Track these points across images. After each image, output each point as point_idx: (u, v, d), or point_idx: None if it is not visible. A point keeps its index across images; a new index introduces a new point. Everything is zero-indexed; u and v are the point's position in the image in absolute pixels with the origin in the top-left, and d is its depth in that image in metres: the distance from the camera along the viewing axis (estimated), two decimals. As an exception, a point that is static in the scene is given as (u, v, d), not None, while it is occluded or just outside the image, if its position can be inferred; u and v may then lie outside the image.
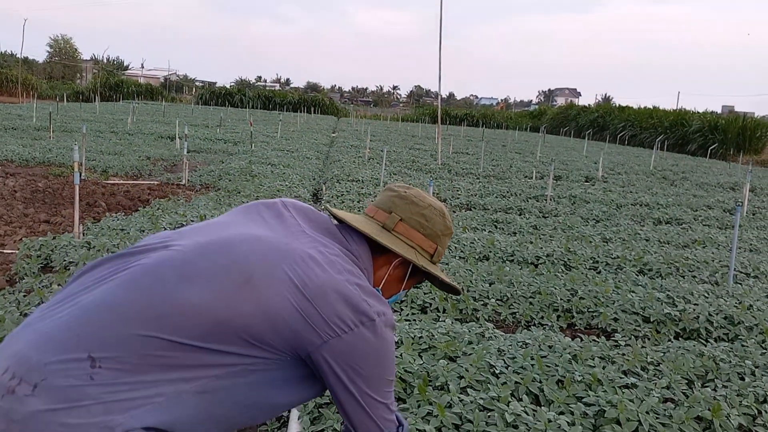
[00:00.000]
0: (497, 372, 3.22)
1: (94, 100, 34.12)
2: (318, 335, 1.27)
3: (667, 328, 4.41)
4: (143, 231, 6.12)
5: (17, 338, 1.22)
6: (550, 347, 3.63)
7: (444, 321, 4.14)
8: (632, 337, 4.27)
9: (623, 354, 3.63)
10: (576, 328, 4.51)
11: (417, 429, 2.64)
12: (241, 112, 40.40)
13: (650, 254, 6.61)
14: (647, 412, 2.87)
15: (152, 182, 9.88)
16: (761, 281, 5.94)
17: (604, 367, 3.40)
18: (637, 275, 5.92)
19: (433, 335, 3.71)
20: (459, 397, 2.90)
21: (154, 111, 32.21)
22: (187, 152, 11.56)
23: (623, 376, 3.35)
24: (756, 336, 4.29)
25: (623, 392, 3.05)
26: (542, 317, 4.54)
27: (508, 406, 2.83)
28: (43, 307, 1.30)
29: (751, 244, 7.84)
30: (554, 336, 3.90)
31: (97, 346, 1.17)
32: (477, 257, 6.19)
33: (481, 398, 2.91)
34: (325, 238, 1.43)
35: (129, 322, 1.20)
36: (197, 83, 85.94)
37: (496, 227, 8.01)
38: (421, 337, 3.68)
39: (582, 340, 3.89)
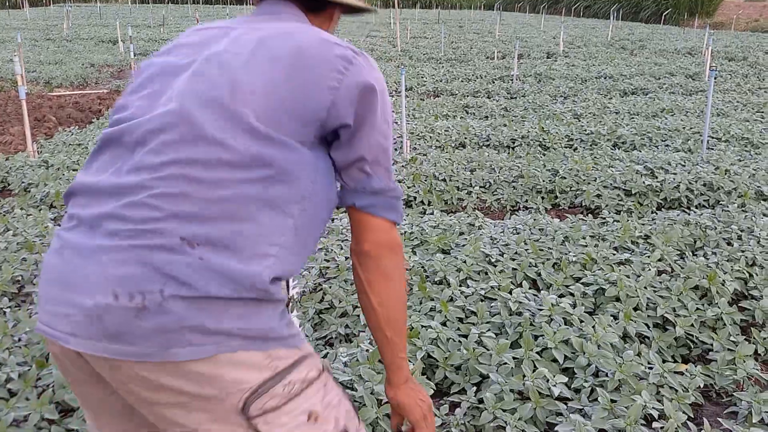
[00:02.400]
0: (493, 261, 3.20)
1: (23, 6, 31.63)
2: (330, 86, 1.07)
3: (650, 200, 4.44)
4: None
5: (85, 262, 0.99)
6: (541, 230, 3.60)
7: (431, 214, 4.07)
8: (617, 212, 4.29)
9: (613, 231, 3.63)
10: (561, 208, 4.50)
11: (422, 326, 2.61)
12: (183, 9, 38.07)
13: (623, 127, 6.58)
14: (645, 287, 2.90)
15: (101, 91, 9.33)
16: (732, 144, 6.00)
17: (596, 246, 3.41)
18: (613, 149, 5.91)
19: (423, 230, 3.65)
20: (460, 290, 2.88)
21: (90, 13, 30.10)
22: (134, 56, 10.88)
23: (616, 252, 3.36)
24: (736, 200, 4.35)
25: (619, 269, 3.07)
26: (527, 200, 4.51)
27: (510, 294, 2.81)
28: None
29: (718, 108, 7.87)
30: (543, 219, 3.87)
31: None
32: (454, 145, 6.07)
33: (482, 288, 2.89)
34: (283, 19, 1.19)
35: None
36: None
37: (467, 112, 7.85)
38: (411, 233, 3.62)
39: (570, 220, 3.88)
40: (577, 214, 4.26)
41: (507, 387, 2.23)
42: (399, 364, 1.21)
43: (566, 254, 3.27)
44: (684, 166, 5.05)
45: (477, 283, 2.97)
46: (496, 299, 2.83)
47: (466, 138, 6.21)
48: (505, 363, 2.37)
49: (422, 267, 3.17)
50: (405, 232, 3.61)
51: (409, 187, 4.52)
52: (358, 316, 2.77)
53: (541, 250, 3.30)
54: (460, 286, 2.96)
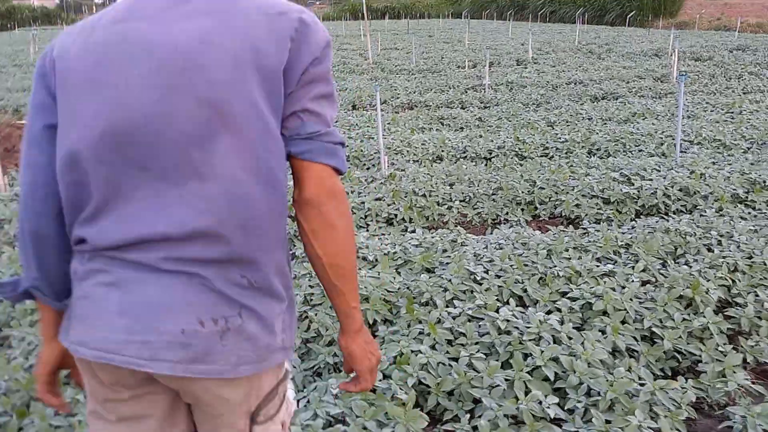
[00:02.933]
0: (479, 278, 3.18)
1: (-16, 32, 31.14)
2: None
3: (628, 208, 4.47)
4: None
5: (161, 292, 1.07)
6: (524, 245, 3.60)
7: (413, 232, 4.06)
8: (597, 221, 4.32)
9: (594, 241, 3.65)
10: (541, 219, 4.52)
11: (411, 351, 2.58)
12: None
13: (596, 133, 6.65)
14: (631, 299, 2.90)
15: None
16: (705, 147, 6.09)
17: (579, 258, 3.41)
18: (588, 156, 5.96)
19: (406, 248, 3.63)
20: (447, 311, 2.86)
21: (56, 37, 29.66)
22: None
23: (599, 263, 3.37)
24: (713, 204, 4.41)
25: (604, 281, 3.07)
26: (507, 213, 4.52)
27: (497, 312, 2.80)
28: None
29: (688, 111, 7.99)
30: (525, 232, 3.88)
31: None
32: (431, 158, 6.07)
33: (469, 308, 2.87)
34: None
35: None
36: (96, 1, 79.41)
37: (442, 124, 7.87)
38: (395, 252, 3.59)
39: (552, 232, 3.88)
40: (557, 225, 4.28)
41: (501, 412, 2.21)
42: (351, 313, 1.21)
43: (551, 268, 3.27)
44: (659, 171, 5.10)
45: (464, 302, 2.95)
46: (483, 318, 2.81)
47: (443, 151, 6.22)
48: (498, 385, 2.35)
49: (408, 288, 3.15)
50: (388, 252, 3.58)
51: (389, 205, 4.50)
52: (346, 343, 2.73)
53: (526, 265, 3.30)
54: (447, 306, 2.93)
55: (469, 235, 3.87)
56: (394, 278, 3.20)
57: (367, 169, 5.83)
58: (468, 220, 4.46)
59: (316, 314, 2.91)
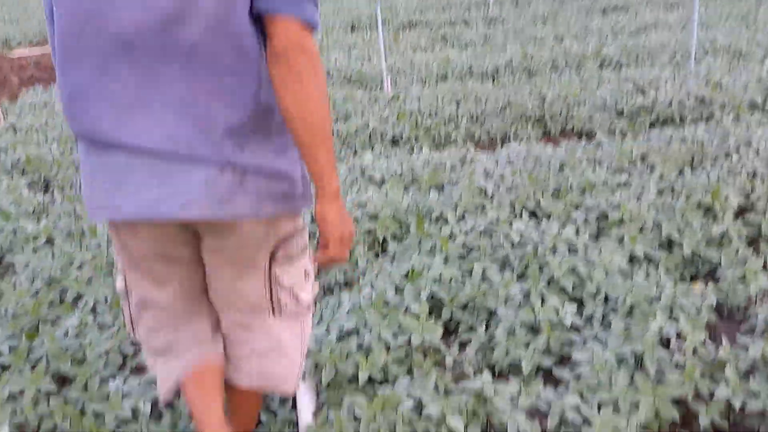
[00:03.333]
0: (489, 194, 3.09)
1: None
2: None
3: (642, 119, 4.33)
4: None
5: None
6: (536, 160, 3.50)
7: (420, 152, 3.95)
8: (610, 133, 4.19)
9: (608, 153, 3.53)
10: (552, 135, 4.38)
11: (423, 266, 2.53)
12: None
13: (607, 46, 6.41)
14: (648, 209, 2.82)
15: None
16: (720, 56, 5.86)
17: (594, 171, 3.31)
18: (600, 69, 5.76)
19: (414, 168, 3.53)
20: (459, 227, 2.78)
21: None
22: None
23: (614, 175, 3.27)
24: (729, 113, 4.26)
25: (620, 192, 2.98)
26: (516, 130, 4.38)
27: (510, 226, 2.73)
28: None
29: (701, 20, 7.68)
30: (536, 147, 3.76)
31: None
32: (435, 78, 5.88)
33: (481, 223, 2.80)
34: None
35: None
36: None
37: (446, 43, 7.60)
38: (401, 174, 3.49)
39: (564, 146, 3.77)
40: (569, 140, 4.16)
41: (517, 321, 2.17)
42: (324, 175, 1.21)
43: (564, 181, 3.17)
44: (674, 81, 4.92)
45: (475, 218, 2.87)
46: (496, 232, 2.74)
47: (447, 70, 6.02)
48: (513, 297, 2.30)
49: (417, 206, 3.07)
50: (395, 172, 3.49)
51: (394, 125, 4.37)
52: (356, 261, 2.68)
53: (538, 179, 3.20)
54: (458, 222, 2.86)
55: (478, 153, 3.76)
56: (402, 197, 3.12)
57: (370, 90, 5.65)
58: (476, 138, 4.33)
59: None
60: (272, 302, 1.40)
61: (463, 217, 2.93)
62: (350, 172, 3.54)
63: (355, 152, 4.14)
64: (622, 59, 5.94)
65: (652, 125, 4.32)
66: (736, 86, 4.58)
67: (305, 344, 1.51)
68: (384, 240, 2.81)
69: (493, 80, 5.72)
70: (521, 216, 2.89)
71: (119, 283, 1.46)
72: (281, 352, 1.45)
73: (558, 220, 2.87)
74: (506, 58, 6.13)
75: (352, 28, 9.29)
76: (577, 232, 2.71)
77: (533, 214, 2.99)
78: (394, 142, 4.28)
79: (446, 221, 2.89)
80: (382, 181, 3.42)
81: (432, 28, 8.60)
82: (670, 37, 6.65)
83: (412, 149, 4.13)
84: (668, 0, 9.52)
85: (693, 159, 3.46)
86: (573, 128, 4.33)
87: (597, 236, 2.77)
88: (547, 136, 4.35)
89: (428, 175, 3.36)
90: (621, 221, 2.76)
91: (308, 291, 1.44)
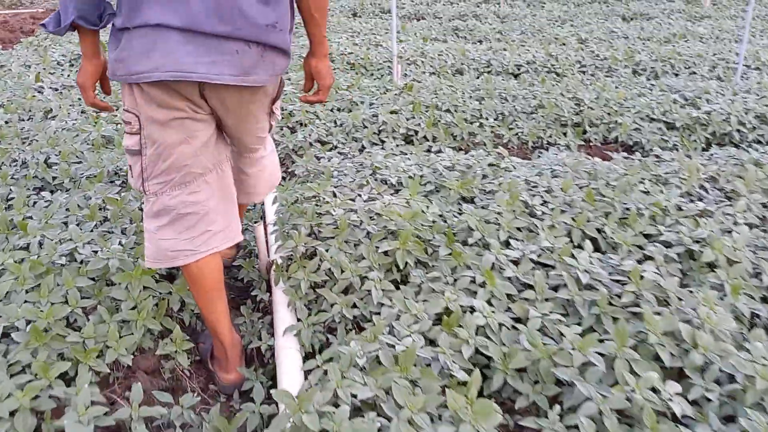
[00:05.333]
0: (538, 213, 2.45)
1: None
2: None
3: (697, 135, 3.72)
4: (29, 66, 4.83)
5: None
6: (589, 174, 2.86)
7: (439, 152, 3.30)
8: (661, 148, 3.57)
9: (675, 172, 2.91)
10: (592, 144, 3.75)
11: (460, 306, 1.88)
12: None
13: (639, 52, 5.81)
14: (745, 248, 2.19)
15: (36, 10, 8.12)
16: (766, 73, 5.29)
17: (661, 192, 2.68)
18: (634, 76, 5.15)
19: (437, 171, 2.87)
20: (504, 255, 2.13)
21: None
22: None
23: (684, 199, 2.65)
24: (798, 135, 3.67)
25: (704, 222, 2.36)
26: (551, 135, 3.75)
27: (573, 258, 2.08)
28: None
29: (733, 34, 7.13)
30: (582, 157, 3.13)
31: None
32: (450, 71, 5.23)
33: (532, 251, 2.15)
34: None
35: None
36: None
37: (458, 36, 6.95)
38: (422, 176, 2.84)
39: (618, 160, 3.13)
40: (612, 152, 3.54)
41: (605, 404, 1.52)
42: (323, 41, 1.72)
43: (626, 204, 2.53)
44: (723, 95, 4.33)
45: (524, 243, 2.22)
46: (554, 266, 2.10)
47: (463, 63, 5.37)
48: (591, 363, 1.66)
49: (445, 221, 2.42)
50: (414, 174, 2.83)
51: (408, 119, 3.71)
52: (369, 291, 2.01)
53: (597, 199, 2.56)
54: (503, 247, 2.21)
55: (513, 159, 3.10)
56: (427, 207, 2.46)
57: (377, 78, 4.98)
58: (504, 141, 3.68)
59: (327, 250, 2.17)
60: (270, 128, 1.87)
61: (508, 242, 2.28)
62: (358, 171, 2.87)
63: (362, 148, 3.46)
64: (657, 67, 5.34)
65: (707, 142, 3.72)
66: (799, 105, 3.99)
67: None
68: (405, 265, 2.15)
69: (516, 78, 5.08)
70: (582, 245, 2.25)
71: (130, 141, 1.62)
72: (274, 150, 2.09)
73: (629, 253, 2.23)
74: (528, 57, 5.50)
75: (354, 14, 8.61)
76: (660, 274, 2.07)
77: (593, 243, 2.35)
78: (407, 139, 3.62)
79: (487, 245, 2.23)
80: (399, 186, 2.76)
81: (441, 21, 7.95)
82: (706, 48, 6.07)
83: (429, 149, 3.47)
84: (691, 12, 8.97)
85: (777, 187, 2.85)
86: (617, 138, 3.71)
87: (682, 281, 2.14)
88: (588, 145, 3.71)
89: (458, 183, 2.70)
90: (714, 264, 2.13)
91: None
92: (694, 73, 5.23)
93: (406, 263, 2.15)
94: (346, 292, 2.08)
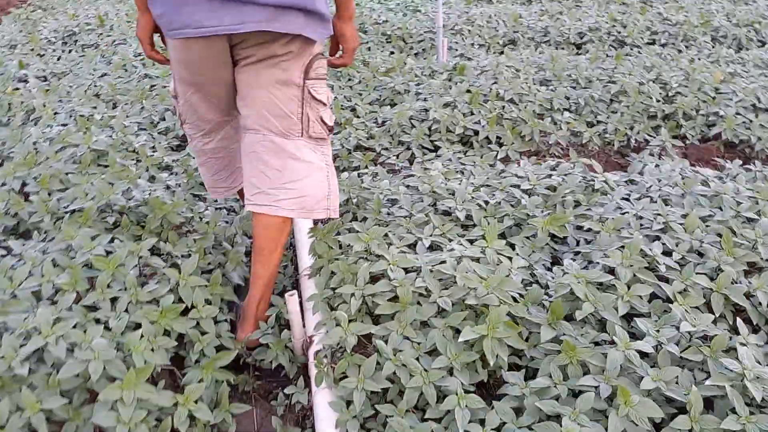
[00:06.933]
0: (661, 267, 1.82)
1: None
2: None
3: (821, 130, 3.03)
4: (14, 46, 4.24)
5: None
6: (710, 200, 2.21)
7: (509, 160, 2.67)
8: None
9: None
10: (688, 143, 3.08)
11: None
12: None
13: (714, 14, 5.02)
14: None
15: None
16: None
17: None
18: (715, 46, 4.41)
19: (513, 196, 2.25)
20: (636, 350, 1.53)
21: None
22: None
23: None
24: None
25: None
26: (638, 132, 3.08)
27: (735, 355, 1.48)
28: None
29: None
30: (692, 170, 2.48)
31: None
32: (502, 42, 4.52)
33: (670, 339, 1.55)
34: None
35: None
36: None
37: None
38: (498, 204, 2.22)
39: (720, 166, 2.48)
40: (717, 156, 2.89)
41: None
42: (348, 2, 1.71)
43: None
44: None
45: (653, 322, 1.62)
46: (703, 365, 1.50)
47: (517, 31, 4.65)
48: None
49: (537, 281, 1.82)
50: (486, 202, 2.21)
51: (465, 115, 3.06)
52: (449, 411, 1.43)
53: (737, 245, 1.93)
54: (627, 335, 1.60)
55: (607, 175, 2.46)
56: (511, 260, 1.85)
57: (419, 55, 4.31)
58: (584, 141, 3.03)
59: (386, 339, 1.58)
60: (302, 121, 1.70)
61: (630, 316, 1.67)
62: (414, 202, 2.24)
63: (413, 156, 2.84)
64: (739, 34, 4.57)
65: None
66: None
67: (331, 166, 1.80)
68: (497, 357, 1.56)
69: (578, 50, 4.38)
70: (734, 325, 1.64)
71: (172, 85, 1.86)
72: (312, 171, 1.74)
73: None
74: (590, 23, 4.76)
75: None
76: None
77: (741, 314, 1.74)
78: (466, 139, 2.98)
79: (602, 324, 1.63)
80: (468, 221, 2.15)
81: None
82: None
83: (496, 154, 2.83)
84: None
85: None
86: (720, 136, 3.03)
87: None
88: (684, 146, 3.04)
89: (543, 218, 2.08)
90: None
91: (330, 117, 1.75)
92: (787, 41, 4.46)
93: (497, 356, 1.56)
94: (416, 406, 1.51)
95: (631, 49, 4.33)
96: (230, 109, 1.82)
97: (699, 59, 3.90)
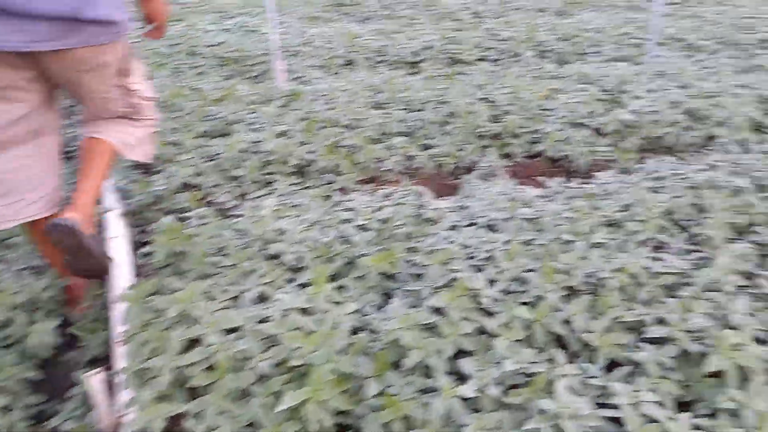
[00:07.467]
0: (484, 301, 1.84)
1: None
2: None
3: (630, 142, 3.26)
4: None
5: None
6: (529, 221, 2.28)
7: (345, 190, 2.61)
8: (590, 165, 3.09)
9: (627, 205, 2.40)
10: (515, 161, 3.19)
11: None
12: None
13: (539, 30, 5.32)
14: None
15: None
16: (672, 49, 4.98)
17: (615, 242, 2.16)
18: (541, 61, 4.66)
19: (345, 235, 2.19)
20: (460, 396, 1.52)
21: None
22: None
23: (651, 256, 2.15)
24: (734, 134, 3.30)
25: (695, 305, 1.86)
26: (469, 152, 3.15)
27: (551, 396, 1.51)
28: None
29: (629, 2, 6.85)
30: (516, 190, 2.57)
31: None
32: (340, 63, 4.50)
33: (495, 380, 1.56)
34: None
35: None
36: None
37: (342, 13, 6.18)
38: (328, 243, 2.14)
39: (543, 184, 2.60)
40: (540, 172, 3.03)
41: None
42: None
43: (590, 271, 2.00)
44: (640, 83, 3.91)
45: (478, 362, 1.62)
46: (524, 408, 1.52)
47: (353, 51, 4.65)
48: None
49: (366, 327, 1.77)
50: (317, 241, 2.14)
51: (301, 144, 2.98)
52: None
53: (557, 271, 1.99)
54: (452, 378, 1.59)
55: (440, 202, 2.47)
56: (338, 305, 1.79)
57: (256, 77, 4.17)
58: (416, 166, 3.05)
59: (200, 415, 1.46)
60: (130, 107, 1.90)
61: (456, 359, 1.66)
62: (242, 247, 2.12)
63: (244, 194, 2.71)
64: (563, 49, 4.88)
65: (641, 152, 3.27)
66: (728, 97, 3.64)
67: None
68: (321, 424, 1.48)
69: (413, 69, 4.45)
70: (554, 356, 1.68)
71: None
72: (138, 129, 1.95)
73: (611, 363, 1.69)
74: (424, 40, 4.87)
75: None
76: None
77: (559, 341, 1.79)
78: (300, 171, 2.90)
79: (428, 371, 1.61)
80: (299, 265, 2.06)
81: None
82: (605, 19, 5.71)
83: (330, 185, 2.77)
84: None
85: (749, 225, 2.41)
86: (544, 152, 3.18)
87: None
88: (513, 164, 3.15)
89: (374, 256, 2.04)
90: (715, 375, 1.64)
91: (143, 84, 1.92)
92: (598, 53, 4.82)
93: (320, 422, 1.49)
94: None
95: (464, 67, 4.47)
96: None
97: (525, 75, 4.10)
